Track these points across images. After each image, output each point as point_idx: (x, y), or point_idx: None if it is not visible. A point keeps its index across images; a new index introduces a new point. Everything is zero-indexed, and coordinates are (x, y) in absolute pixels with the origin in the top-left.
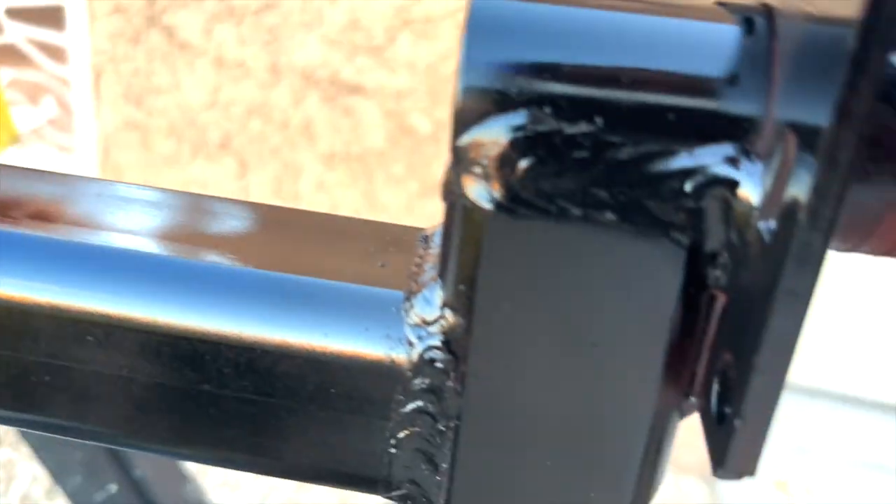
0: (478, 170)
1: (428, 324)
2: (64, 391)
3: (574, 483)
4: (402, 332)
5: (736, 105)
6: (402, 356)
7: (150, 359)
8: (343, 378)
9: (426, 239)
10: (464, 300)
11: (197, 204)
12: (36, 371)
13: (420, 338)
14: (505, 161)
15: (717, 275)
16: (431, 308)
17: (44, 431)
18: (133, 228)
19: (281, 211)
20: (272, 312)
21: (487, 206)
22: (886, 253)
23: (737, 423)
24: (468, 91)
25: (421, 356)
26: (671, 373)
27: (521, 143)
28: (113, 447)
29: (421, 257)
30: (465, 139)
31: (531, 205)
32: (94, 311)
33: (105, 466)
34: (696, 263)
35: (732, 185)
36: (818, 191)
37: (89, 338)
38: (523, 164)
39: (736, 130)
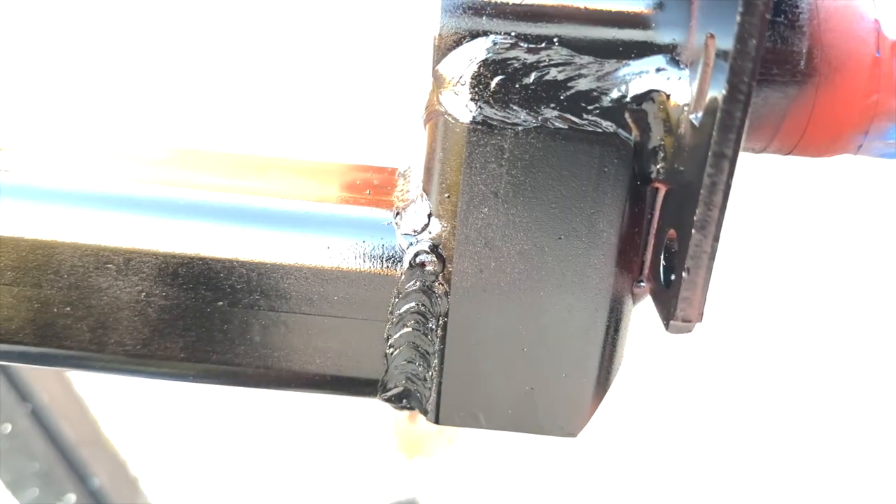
0: (456, 89)
1: (417, 232)
2: (83, 320)
3: (548, 365)
4: (395, 242)
5: (664, 27)
6: (395, 262)
7: (167, 280)
8: (344, 285)
9: (403, 174)
10: (448, 206)
11: (197, 154)
12: (57, 303)
13: (411, 245)
14: (479, 79)
15: (658, 168)
16: (419, 217)
17: (62, 366)
18: (147, 175)
19: (267, 157)
20: (279, 232)
21: (466, 119)
22: (792, 149)
23: (683, 275)
24: (446, 25)
25: (412, 261)
26: (624, 259)
27: (492, 64)
28: (130, 373)
29: (403, 184)
30: (445, 63)
31: (501, 116)
32: (115, 240)
33: (62, 477)
34: (641, 160)
35: (665, 88)
36: (734, 69)
37: (109, 265)
38: (495, 81)
39: (665, 46)
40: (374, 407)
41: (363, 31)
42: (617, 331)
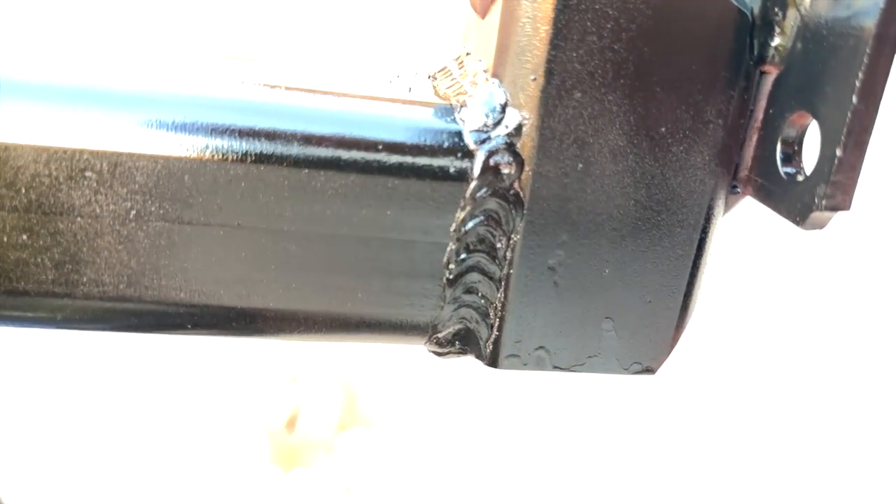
0: None
1: (489, 127)
2: (45, 252)
3: (631, 289)
4: (463, 141)
5: None
6: (464, 166)
7: (166, 193)
8: (399, 198)
9: (435, 75)
10: (531, 92)
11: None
12: (9, 230)
13: (481, 142)
14: None
15: (775, 47)
16: (492, 109)
17: (11, 320)
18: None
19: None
20: (318, 133)
21: None
22: None
23: (838, 153)
24: None
25: (485, 163)
26: (726, 158)
27: None
28: (107, 323)
29: (450, 78)
30: None
31: None
32: (97, 141)
33: None
34: (759, 37)
35: None
36: None
37: (89, 174)
38: None
39: None
40: (246, 417)
41: None
42: (705, 245)
